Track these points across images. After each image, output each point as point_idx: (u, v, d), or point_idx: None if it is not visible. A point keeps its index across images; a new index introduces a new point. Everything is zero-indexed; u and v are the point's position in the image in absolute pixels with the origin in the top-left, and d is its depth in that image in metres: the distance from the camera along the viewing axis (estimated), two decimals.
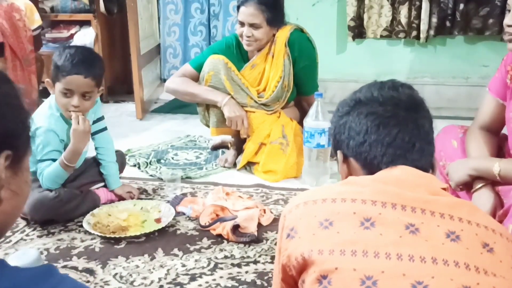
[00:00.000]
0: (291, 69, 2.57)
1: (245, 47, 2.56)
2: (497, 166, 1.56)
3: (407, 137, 1.01)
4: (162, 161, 2.79)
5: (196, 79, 2.62)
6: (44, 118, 2.02)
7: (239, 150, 2.71)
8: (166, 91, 2.75)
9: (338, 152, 1.10)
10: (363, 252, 0.86)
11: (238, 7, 2.53)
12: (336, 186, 1.01)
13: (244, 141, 2.66)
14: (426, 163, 1.03)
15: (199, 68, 2.60)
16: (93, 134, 2.24)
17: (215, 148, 2.96)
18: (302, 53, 2.57)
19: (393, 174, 0.98)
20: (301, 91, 2.69)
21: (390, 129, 1.01)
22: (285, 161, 2.52)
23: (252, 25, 2.48)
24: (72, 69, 1.94)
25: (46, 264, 0.71)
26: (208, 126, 2.69)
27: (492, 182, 1.61)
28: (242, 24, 2.50)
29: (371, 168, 1.02)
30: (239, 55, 2.64)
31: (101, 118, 2.24)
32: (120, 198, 2.24)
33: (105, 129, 2.27)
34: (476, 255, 0.88)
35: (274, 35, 2.56)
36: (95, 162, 2.27)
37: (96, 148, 2.27)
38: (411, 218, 0.90)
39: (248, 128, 2.55)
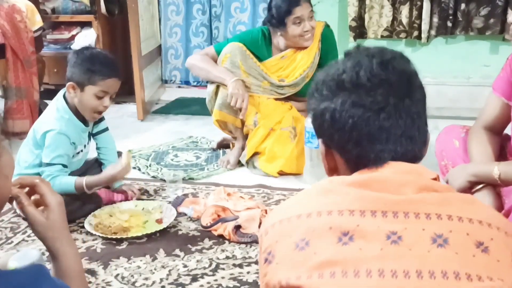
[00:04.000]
0: (317, 63, 2.68)
1: (305, 44, 2.65)
2: (497, 170, 1.55)
3: (400, 130, 0.90)
4: (162, 163, 2.79)
5: (216, 61, 2.71)
6: (54, 121, 2.03)
7: (242, 148, 2.72)
8: (186, 65, 2.86)
9: (320, 140, 0.99)
10: (342, 272, 0.79)
11: (289, 11, 2.57)
12: (311, 196, 0.92)
13: (246, 136, 2.70)
14: (419, 151, 0.94)
15: (220, 52, 2.69)
16: (95, 134, 2.25)
17: (219, 146, 2.98)
18: (332, 49, 2.73)
19: (374, 175, 0.89)
20: None
21: (380, 123, 0.89)
22: (292, 148, 2.55)
23: (311, 17, 2.61)
24: (112, 73, 2.03)
25: (37, 265, 0.69)
26: (211, 115, 2.74)
27: (494, 185, 1.61)
28: (299, 23, 2.58)
29: (356, 165, 0.93)
30: (264, 48, 2.72)
31: (102, 119, 2.25)
32: (123, 198, 2.24)
33: (106, 129, 2.27)
34: (468, 259, 0.80)
35: None
36: (96, 163, 2.27)
37: (98, 149, 2.28)
38: (393, 225, 0.82)
39: (246, 111, 2.56)
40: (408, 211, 0.84)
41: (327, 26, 2.73)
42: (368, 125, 0.90)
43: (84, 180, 2.03)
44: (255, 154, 2.64)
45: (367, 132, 0.90)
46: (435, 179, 0.90)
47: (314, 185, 0.94)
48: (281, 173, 2.57)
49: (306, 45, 2.65)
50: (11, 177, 0.77)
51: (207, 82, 2.78)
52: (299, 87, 2.70)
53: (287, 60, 2.70)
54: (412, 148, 0.92)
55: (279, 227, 0.89)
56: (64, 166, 2.04)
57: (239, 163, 2.72)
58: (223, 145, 2.98)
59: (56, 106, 2.07)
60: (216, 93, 2.67)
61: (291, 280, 0.82)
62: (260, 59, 2.68)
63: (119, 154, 2.37)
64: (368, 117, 0.89)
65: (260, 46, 2.71)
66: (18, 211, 2.09)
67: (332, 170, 1.00)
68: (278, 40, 2.70)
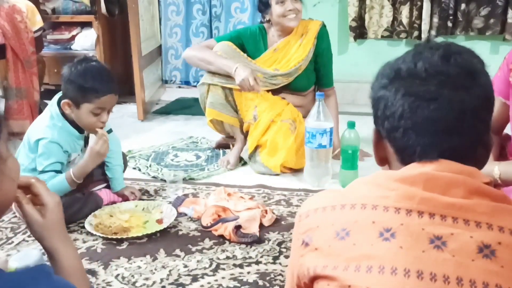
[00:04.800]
0: (311, 58, 2.73)
1: (290, 24, 2.68)
2: (497, 170, 1.56)
3: (450, 123, 0.85)
4: (162, 163, 2.79)
5: None
6: (46, 129, 2.01)
7: (242, 147, 2.74)
8: (184, 56, 2.88)
9: (374, 129, 0.97)
10: (380, 268, 0.78)
11: None
12: (358, 188, 0.90)
13: (246, 135, 2.73)
14: (472, 148, 0.88)
15: None
16: None
17: (219, 146, 2.99)
18: (328, 48, 2.80)
19: (424, 172, 0.85)
20: (323, 83, 2.84)
21: (429, 114, 0.85)
22: (293, 140, 2.56)
23: None
24: (107, 90, 1.97)
25: (39, 265, 0.69)
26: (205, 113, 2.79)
27: (494, 184, 1.61)
28: (281, 2, 2.65)
29: (403, 156, 0.90)
30: (261, 43, 2.80)
31: None
32: (123, 199, 2.24)
33: (110, 131, 2.26)
34: None
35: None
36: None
37: None
38: (439, 229, 0.80)
39: (259, 85, 2.58)
40: (457, 216, 0.80)
41: (324, 26, 2.78)
42: (416, 114, 0.86)
43: (71, 170, 2.01)
44: (256, 148, 2.65)
45: (415, 121, 0.87)
46: (488, 183, 0.86)
47: (361, 178, 0.92)
48: (282, 170, 2.58)
49: (291, 25, 2.69)
50: (17, 181, 0.77)
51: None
52: (291, 78, 2.74)
53: (280, 52, 2.74)
54: (462, 146, 0.87)
55: (322, 213, 0.89)
56: (57, 172, 2.03)
57: (241, 161, 2.73)
58: (223, 145, 2.99)
59: (50, 113, 2.05)
60: (207, 91, 2.71)
61: (328, 269, 0.82)
62: (257, 53, 2.76)
63: (124, 155, 2.37)
64: (418, 105, 0.86)
65: (257, 40, 2.80)
66: (15, 211, 2.09)
67: (382, 161, 0.98)
68: (273, 33, 2.78)
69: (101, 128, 2.03)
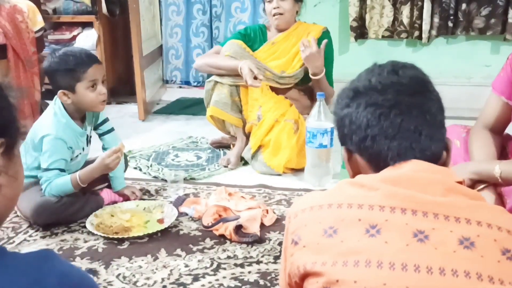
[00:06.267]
0: None
1: (274, 22, 2.74)
2: (498, 169, 1.56)
3: (412, 125, 0.93)
4: (163, 163, 2.79)
5: None
6: (51, 126, 2.03)
7: (243, 147, 2.74)
8: (195, 67, 2.93)
9: (343, 148, 1.03)
10: (366, 262, 0.82)
11: None
12: (344, 188, 0.94)
13: (247, 136, 2.73)
14: (437, 149, 0.95)
15: None
16: (102, 135, 2.25)
17: (215, 145, 3.00)
18: (329, 53, 2.79)
19: (403, 172, 0.91)
20: None
21: (392, 119, 0.93)
22: (296, 140, 2.57)
23: None
24: (90, 61, 2.03)
25: (45, 249, 0.75)
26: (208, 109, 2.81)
27: (494, 183, 1.61)
28: (269, 1, 2.72)
29: (377, 164, 0.95)
30: (261, 38, 2.85)
31: (106, 120, 2.26)
32: (124, 199, 2.25)
33: (112, 129, 2.28)
34: (492, 263, 0.81)
35: (297, 12, 2.78)
36: None
37: (105, 149, 2.27)
38: (421, 224, 0.84)
39: (259, 75, 2.58)
40: (438, 212, 0.85)
41: (327, 31, 2.80)
42: (380, 121, 0.93)
43: (78, 173, 2.03)
44: (259, 148, 2.66)
45: (380, 127, 0.93)
46: (460, 182, 0.92)
47: (346, 179, 0.97)
48: (284, 171, 2.58)
49: (277, 24, 2.74)
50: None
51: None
52: (298, 79, 2.77)
53: (279, 46, 2.77)
54: (428, 145, 0.94)
55: (310, 212, 0.93)
56: (62, 170, 2.04)
57: (242, 160, 2.73)
58: (223, 145, 2.99)
59: (53, 110, 2.07)
60: (213, 89, 2.73)
61: (317, 265, 0.86)
62: (258, 48, 2.79)
63: (124, 155, 2.37)
64: (380, 113, 0.94)
65: (258, 36, 2.84)
66: (17, 211, 2.10)
67: (357, 175, 1.03)
68: (272, 29, 2.84)
69: (103, 101, 2.08)
